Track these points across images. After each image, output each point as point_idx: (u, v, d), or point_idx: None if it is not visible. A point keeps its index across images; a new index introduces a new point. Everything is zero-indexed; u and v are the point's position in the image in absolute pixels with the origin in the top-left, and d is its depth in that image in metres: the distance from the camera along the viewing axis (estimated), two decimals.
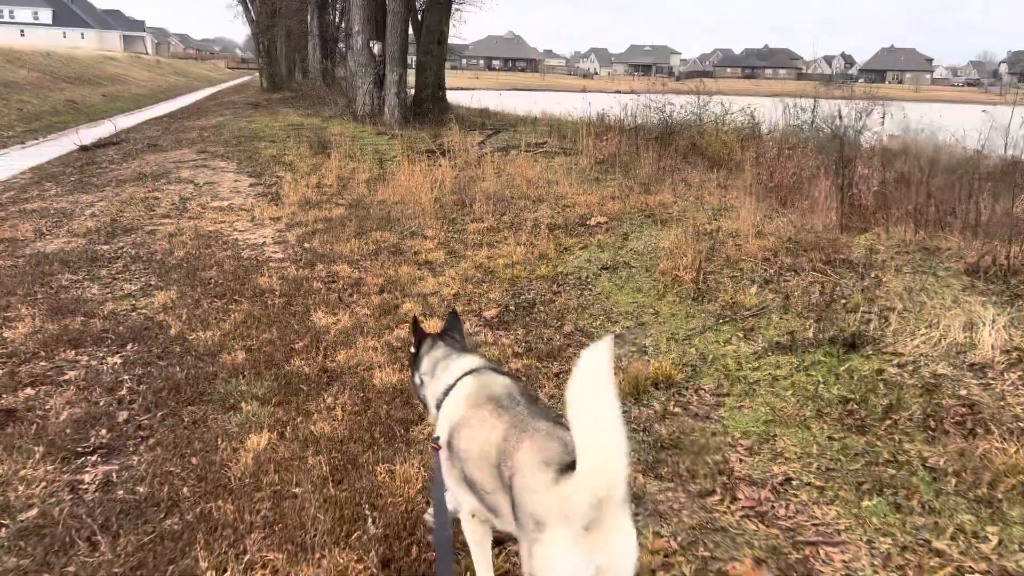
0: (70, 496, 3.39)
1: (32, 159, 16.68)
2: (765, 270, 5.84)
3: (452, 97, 22.71)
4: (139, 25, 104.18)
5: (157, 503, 3.32)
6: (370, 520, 3.09)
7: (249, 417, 3.96)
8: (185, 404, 4.16)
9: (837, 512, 3.13)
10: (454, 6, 21.94)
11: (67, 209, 9.44)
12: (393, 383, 4.33)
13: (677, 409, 4.03)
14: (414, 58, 21.86)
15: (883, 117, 10.97)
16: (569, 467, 1.84)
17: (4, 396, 4.27)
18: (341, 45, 34.50)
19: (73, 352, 4.92)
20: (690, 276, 5.75)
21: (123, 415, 4.08)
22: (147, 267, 6.81)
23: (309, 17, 33.22)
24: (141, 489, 3.43)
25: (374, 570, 2.81)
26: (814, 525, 3.06)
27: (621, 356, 4.70)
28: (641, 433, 3.78)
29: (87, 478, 3.54)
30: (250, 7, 36.67)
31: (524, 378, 4.37)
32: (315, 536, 2.98)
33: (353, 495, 3.25)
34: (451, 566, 2.13)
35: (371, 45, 18.92)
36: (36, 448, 3.74)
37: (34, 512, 3.25)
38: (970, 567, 2.78)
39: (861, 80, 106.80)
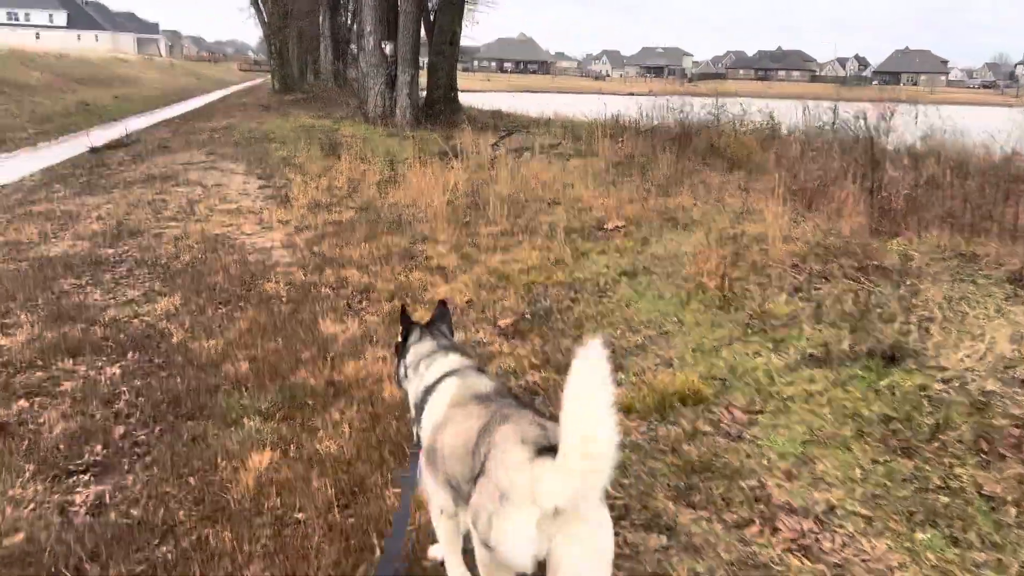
0: (59, 519, 3.17)
1: (43, 161, 16.58)
2: (794, 277, 5.57)
3: (464, 99, 22.49)
4: (153, 27, 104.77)
5: (151, 528, 3.09)
6: (379, 551, 2.85)
7: (251, 434, 3.73)
8: (185, 419, 3.94)
9: (888, 546, 2.86)
10: (467, 6, 21.71)
11: (74, 211, 9.27)
12: (403, 397, 4.10)
13: (707, 428, 3.77)
14: (426, 59, 21.67)
15: (915, 118, 10.63)
16: (547, 450, 1.83)
17: None
18: (353, 46, 34.36)
19: (71, 361, 4.71)
20: (715, 283, 5.49)
21: (119, 430, 3.86)
22: (151, 272, 6.60)
23: (321, 18, 33.11)
24: (135, 512, 3.20)
25: None
26: (864, 561, 2.79)
27: (645, 369, 4.45)
28: (670, 455, 3.52)
29: (78, 499, 3.32)
30: (262, 9, 36.60)
31: (542, 392, 4.12)
32: (319, 569, 2.74)
33: (360, 522, 3.01)
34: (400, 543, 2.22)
35: (383, 46, 18.73)
36: (27, 465, 3.52)
37: (20, 537, 3.03)
38: None
39: (875, 82, 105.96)
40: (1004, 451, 3.39)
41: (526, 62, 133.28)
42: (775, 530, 2.96)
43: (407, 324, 2.82)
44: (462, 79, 22.20)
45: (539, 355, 4.67)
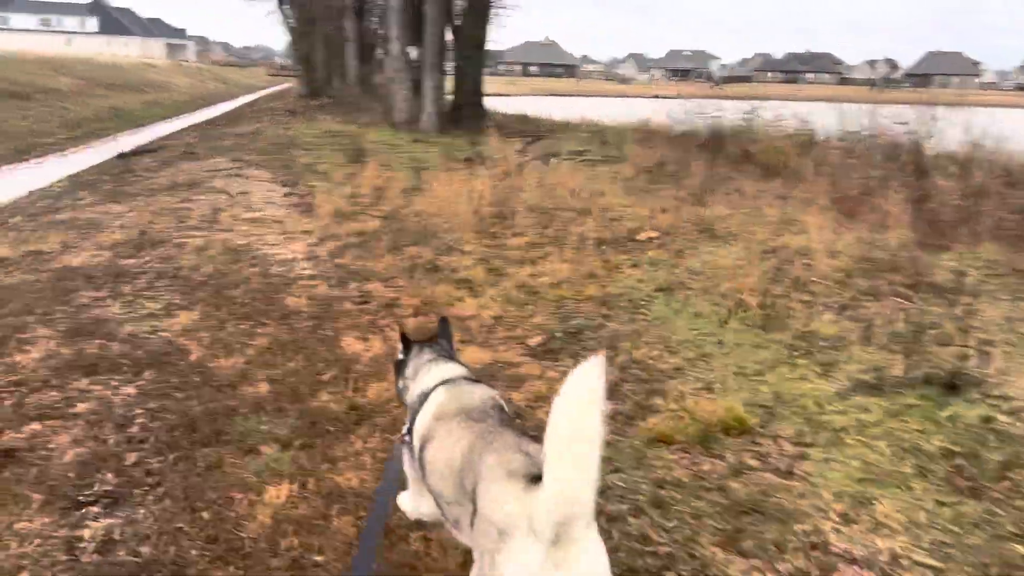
0: (66, 557, 2.99)
1: (71, 166, 16.65)
2: (840, 294, 5.28)
3: (489, 103, 22.32)
4: (181, 33, 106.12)
5: (161, 567, 2.90)
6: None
7: (269, 463, 3.53)
8: (200, 445, 3.75)
9: None
10: (492, 11, 21.55)
11: (97, 220, 9.20)
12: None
13: (754, 462, 3.51)
14: (452, 64, 21.53)
15: (953, 123, 10.25)
16: (536, 479, 1.81)
17: (7, 432, 3.91)
18: (379, 52, 34.37)
19: (87, 380, 4.55)
20: (756, 300, 5.22)
21: (132, 457, 3.68)
22: (172, 284, 6.46)
23: (347, 23, 33.15)
24: (144, 550, 3.01)
25: None
26: None
27: (685, 394, 4.19)
28: (715, 493, 3.27)
29: (87, 534, 3.14)
30: (288, 14, 36.77)
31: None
32: None
33: (383, 569, 2.79)
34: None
35: (408, 51, 18.62)
36: (35, 496, 3.35)
37: None
38: None
39: (906, 85, 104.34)
40: None
41: (551, 65, 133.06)
42: None
43: (407, 342, 2.85)
44: (487, 82, 22.02)
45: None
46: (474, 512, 1.99)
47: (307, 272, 6.73)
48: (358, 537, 2.89)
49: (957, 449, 3.49)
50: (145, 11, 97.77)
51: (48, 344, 5.04)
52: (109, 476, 3.52)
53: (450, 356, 2.76)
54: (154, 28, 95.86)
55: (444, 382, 2.51)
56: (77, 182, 13.58)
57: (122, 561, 2.94)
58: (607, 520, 3.09)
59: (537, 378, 4.44)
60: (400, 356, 2.85)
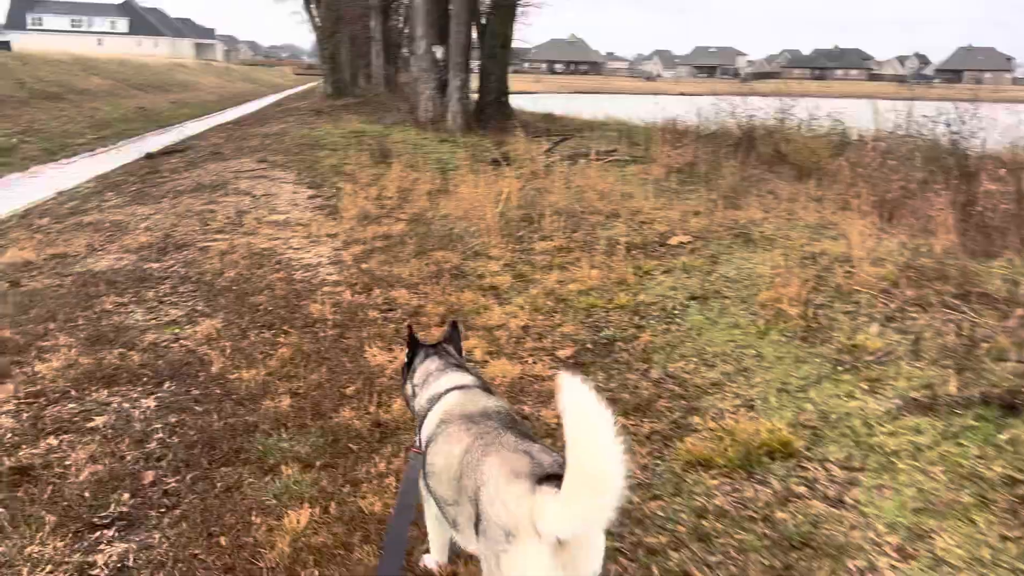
0: None
1: (100, 166, 16.75)
2: (885, 304, 5.03)
3: (514, 101, 22.12)
4: (209, 33, 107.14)
5: None
6: None
7: (289, 485, 3.39)
8: (219, 464, 3.62)
9: None
10: (518, 8, 21.35)
11: (122, 222, 9.16)
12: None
13: (801, 489, 3.30)
14: (477, 63, 21.37)
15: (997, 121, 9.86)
16: (544, 479, 1.82)
17: (24, 447, 3.81)
18: (404, 51, 34.34)
19: (106, 392, 4.46)
20: (796, 310, 4.98)
21: (149, 476, 3.56)
22: (195, 289, 6.37)
23: (372, 22, 33.13)
24: None
25: None
26: None
27: (724, 412, 3.98)
28: (761, 524, 3.06)
29: (100, 559, 3.01)
30: (314, 13, 36.84)
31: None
32: None
33: None
34: (400, 564, 2.09)
35: (433, 50, 18.49)
36: (48, 517, 3.24)
37: None
38: None
39: (937, 80, 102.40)
40: None
41: (576, 63, 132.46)
42: None
43: (414, 345, 2.83)
44: (512, 80, 21.83)
45: (604, 393, 4.23)
46: (477, 515, 1.97)
47: (331, 277, 6.60)
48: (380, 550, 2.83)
49: (1020, 476, 3.25)
50: (175, 11, 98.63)
51: (69, 353, 4.95)
52: (125, 496, 3.40)
53: (458, 364, 2.75)
54: (183, 28, 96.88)
55: (452, 389, 2.52)
56: (104, 183, 13.62)
57: None
58: (646, 552, 2.91)
59: None
60: (407, 357, 2.85)
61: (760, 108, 12.73)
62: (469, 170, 10.18)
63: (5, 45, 43.11)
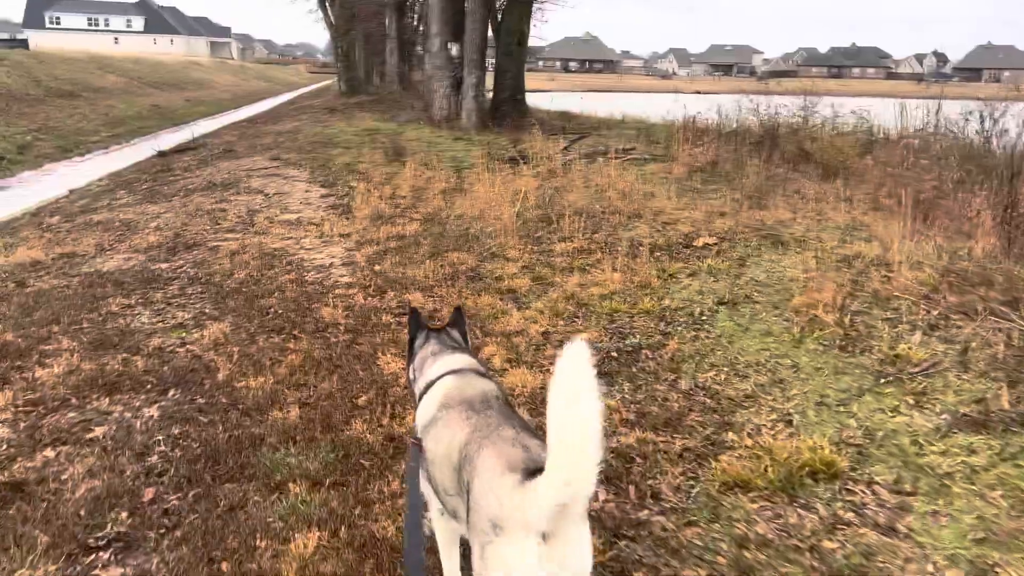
0: None
1: (113, 164, 16.68)
2: (926, 311, 4.76)
3: (530, 100, 21.86)
4: (225, 31, 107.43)
5: None
6: None
7: (297, 505, 3.17)
8: (223, 480, 3.40)
9: None
10: (535, 5, 21.08)
11: (132, 221, 9.00)
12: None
13: (849, 515, 3.04)
14: (493, 60, 21.13)
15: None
16: (534, 473, 1.79)
17: (19, 460, 3.61)
18: (419, 48, 34.14)
19: (107, 400, 4.26)
20: (832, 317, 4.72)
21: (149, 493, 3.35)
22: (204, 291, 6.17)
23: (387, 20, 32.95)
24: None
25: None
26: None
27: (761, 428, 3.73)
28: (807, 554, 2.81)
29: None
30: (329, 11, 36.73)
31: (641, 462, 3.44)
32: None
33: None
34: (421, 552, 2.03)
35: (449, 47, 18.27)
36: (41, 537, 3.04)
37: None
38: None
39: (955, 79, 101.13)
40: None
41: (591, 61, 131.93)
42: None
43: (415, 328, 2.78)
44: (527, 78, 21.56)
45: (631, 407, 3.99)
46: (468, 506, 1.97)
47: (344, 279, 6.38)
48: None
49: None
50: (191, 10, 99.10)
51: (71, 358, 4.76)
52: (123, 515, 3.19)
53: (457, 347, 2.68)
54: (199, 27, 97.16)
55: (449, 373, 2.46)
56: (117, 180, 13.51)
57: None
58: None
59: None
60: (409, 339, 2.80)
61: (784, 105, 12.40)
62: (485, 169, 9.95)
63: (22, 43, 43.31)
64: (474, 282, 6.18)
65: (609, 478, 3.28)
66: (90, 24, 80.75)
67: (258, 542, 2.96)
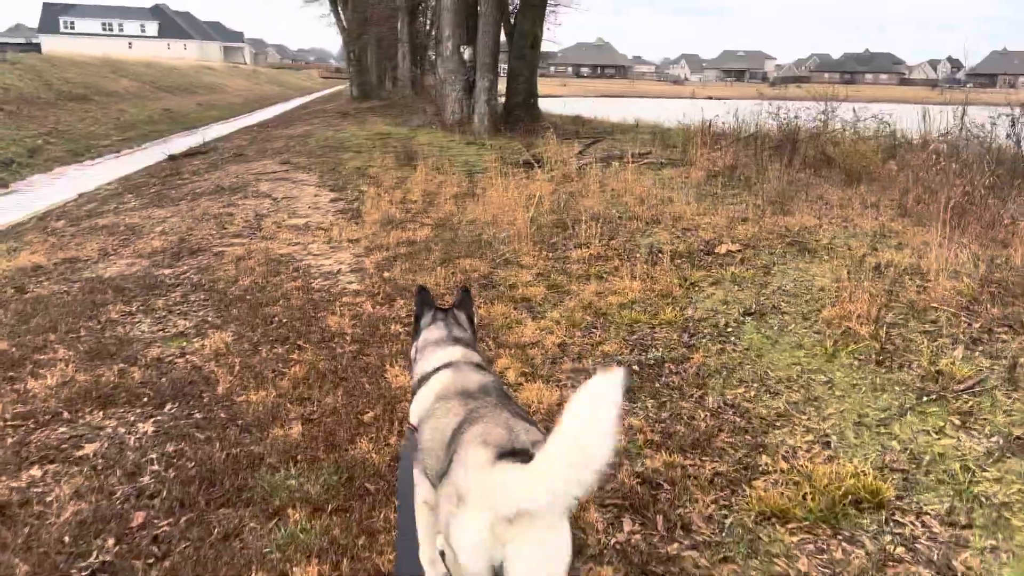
0: None
1: (123, 168, 16.61)
2: (967, 324, 4.48)
3: (542, 104, 21.63)
4: (238, 36, 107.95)
5: None
6: None
7: (296, 533, 2.93)
8: (218, 504, 3.17)
9: None
10: (548, 8, 20.87)
11: (138, 225, 8.82)
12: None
13: (899, 550, 2.77)
14: (505, 64, 20.93)
15: None
16: (509, 454, 1.80)
17: (3, 479, 3.39)
18: (431, 52, 34.01)
19: (101, 414, 4.04)
20: (867, 329, 4.44)
21: (139, 517, 3.12)
22: (207, 298, 5.96)
23: (399, 24, 32.84)
24: None
25: None
26: None
27: (796, 450, 3.46)
28: None
29: None
30: (341, 15, 36.69)
31: (669, 488, 3.17)
32: None
33: None
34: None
35: (461, 51, 18.07)
36: (21, 566, 2.82)
37: None
38: None
39: (969, 85, 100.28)
40: None
41: (603, 66, 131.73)
42: None
43: (422, 306, 2.73)
44: (539, 83, 21.33)
45: (655, 426, 3.73)
46: (447, 473, 1.96)
47: (352, 287, 6.15)
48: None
49: None
50: (205, 15, 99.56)
51: (66, 368, 4.55)
52: (110, 542, 2.96)
53: (459, 339, 2.60)
54: (213, 32, 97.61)
55: (445, 366, 2.43)
56: (126, 184, 13.40)
57: None
58: None
59: None
60: (415, 318, 2.75)
61: (806, 108, 12.11)
62: (498, 173, 9.71)
63: (35, 47, 43.51)
64: (487, 290, 5.93)
65: (635, 507, 3.02)
66: (104, 29, 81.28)
67: (253, 575, 2.72)
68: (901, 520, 2.94)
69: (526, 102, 19.60)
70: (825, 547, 2.79)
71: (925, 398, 3.79)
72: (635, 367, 4.40)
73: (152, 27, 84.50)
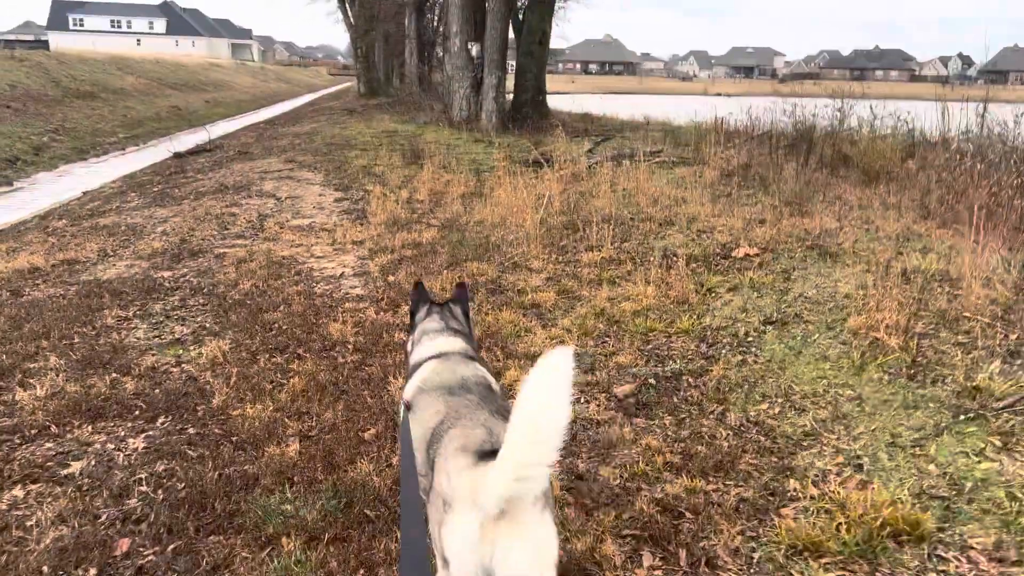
0: None
1: (127, 166, 16.43)
2: (1003, 335, 4.23)
3: (550, 101, 21.38)
4: (246, 33, 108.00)
5: None
6: None
7: (290, 566, 2.72)
8: (208, 531, 2.96)
9: None
10: (557, 4, 20.63)
11: (139, 225, 8.64)
12: None
13: None
14: (513, 61, 20.70)
15: None
16: (489, 455, 1.78)
17: None
18: (438, 49, 33.79)
19: (90, 428, 3.84)
20: (896, 340, 4.20)
21: (124, 544, 2.92)
22: (206, 303, 5.76)
23: (407, 20, 32.63)
24: None
25: None
26: None
27: (826, 474, 3.23)
28: None
29: None
30: (349, 12, 36.50)
31: (692, 517, 2.95)
32: None
33: None
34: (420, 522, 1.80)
35: (469, 47, 17.85)
36: None
37: None
38: None
39: (980, 81, 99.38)
40: None
41: (611, 63, 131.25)
42: None
43: (419, 300, 2.77)
44: (547, 80, 21.08)
45: (674, 445, 3.51)
46: (431, 483, 1.97)
47: (355, 291, 5.95)
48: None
49: None
50: (213, 12, 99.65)
51: (56, 378, 4.36)
52: (91, 573, 2.76)
53: (455, 330, 2.62)
54: (221, 29, 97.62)
55: (433, 357, 2.44)
56: (130, 182, 13.22)
57: None
58: None
59: (631, 444, 3.53)
60: (411, 312, 2.79)
61: (826, 105, 11.85)
62: (506, 172, 9.49)
63: (43, 44, 43.50)
64: (495, 295, 5.72)
65: (655, 538, 2.80)
66: (113, 26, 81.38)
67: None
68: (944, 555, 2.71)
69: (534, 99, 19.38)
70: None
71: (962, 416, 3.55)
72: (651, 380, 4.18)
73: (160, 24, 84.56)
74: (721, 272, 5.80)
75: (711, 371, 4.25)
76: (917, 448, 3.38)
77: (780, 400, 3.89)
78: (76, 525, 3.03)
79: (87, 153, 18.96)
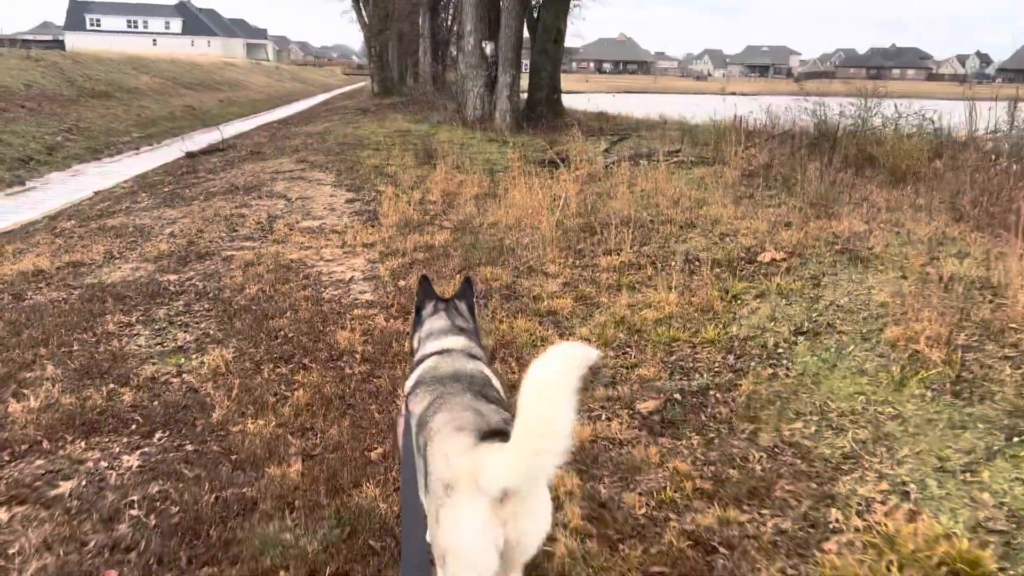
0: None
1: (140, 166, 16.34)
2: None
3: (565, 100, 21.12)
4: (262, 33, 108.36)
5: None
6: None
7: None
8: (201, 563, 2.75)
9: None
10: (572, 1, 20.33)
11: (147, 227, 8.47)
12: None
13: None
14: (528, 60, 20.46)
15: None
16: (489, 435, 1.77)
17: None
18: (452, 48, 33.60)
19: (83, 443, 3.65)
20: (939, 354, 3.94)
21: None
22: (211, 308, 5.56)
23: (421, 19, 32.46)
24: None
25: None
26: None
27: (871, 502, 2.98)
28: None
29: None
30: (363, 12, 36.39)
31: (726, 554, 2.70)
32: None
33: None
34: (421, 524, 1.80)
35: (483, 46, 17.62)
36: None
37: None
38: None
39: (999, 80, 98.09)
40: None
41: (625, 62, 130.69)
42: None
43: (424, 296, 2.74)
44: (561, 80, 20.82)
45: (704, 469, 3.26)
46: (425, 471, 1.91)
47: (364, 297, 5.73)
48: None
49: None
50: (229, 12, 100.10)
51: (51, 389, 4.17)
52: None
53: (461, 329, 2.58)
54: (237, 29, 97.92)
55: (435, 353, 2.43)
56: (142, 182, 13.11)
57: None
58: None
59: (656, 467, 3.28)
60: (416, 308, 2.75)
61: (851, 103, 11.55)
62: (520, 172, 9.26)
63: (59, 44, 43.69)
64: (509, 301, 5.48)
65: None
66: (129, 26, 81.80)
67: None
68: None
69: (549, 98, 19.12)
70: None
71: (1016, 438, 3.28)
72: (677, 395, 3.93)
73: (176, 24, 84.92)
74: (747, 278, 5.54)
75: (740, 385, 3.99)
76: (968, 474, 3.11)
77: (816, 418, 3.64)
78: (62, 553, 2.83)
79: (101, 153, 18.90)
